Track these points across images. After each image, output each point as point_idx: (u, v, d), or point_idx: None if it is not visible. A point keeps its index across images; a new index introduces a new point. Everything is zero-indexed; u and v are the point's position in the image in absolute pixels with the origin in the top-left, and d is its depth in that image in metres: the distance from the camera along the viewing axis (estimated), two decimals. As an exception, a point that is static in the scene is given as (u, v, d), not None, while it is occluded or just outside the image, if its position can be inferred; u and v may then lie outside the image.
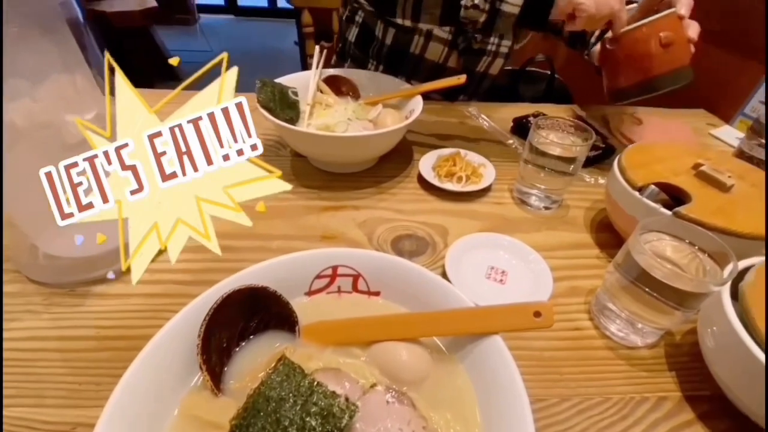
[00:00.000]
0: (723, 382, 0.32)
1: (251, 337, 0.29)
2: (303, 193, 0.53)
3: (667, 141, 0.71)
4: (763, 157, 0.59)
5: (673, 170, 0.44)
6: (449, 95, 0.80)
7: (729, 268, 0.32)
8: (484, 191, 0.56)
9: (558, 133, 0.52)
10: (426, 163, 0.58)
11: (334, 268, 0.31)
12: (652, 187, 0.41)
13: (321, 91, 0.60)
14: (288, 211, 0.50)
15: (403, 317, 0.28)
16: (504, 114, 0.75)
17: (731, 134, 0.76)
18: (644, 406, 0.34)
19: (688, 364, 0.37)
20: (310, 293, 0.31)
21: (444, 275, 0.42)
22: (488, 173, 0.57)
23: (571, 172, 0.50)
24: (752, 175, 0.45)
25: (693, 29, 0.55)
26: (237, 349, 0.28)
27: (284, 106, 0.54)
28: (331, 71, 0.63)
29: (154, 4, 2.23)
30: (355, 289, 0.32)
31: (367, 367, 0.27)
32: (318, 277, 0.31)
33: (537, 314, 0.26)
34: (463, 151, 0.59)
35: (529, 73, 0.92)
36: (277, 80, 0.57)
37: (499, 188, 0.57)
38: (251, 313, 0.29)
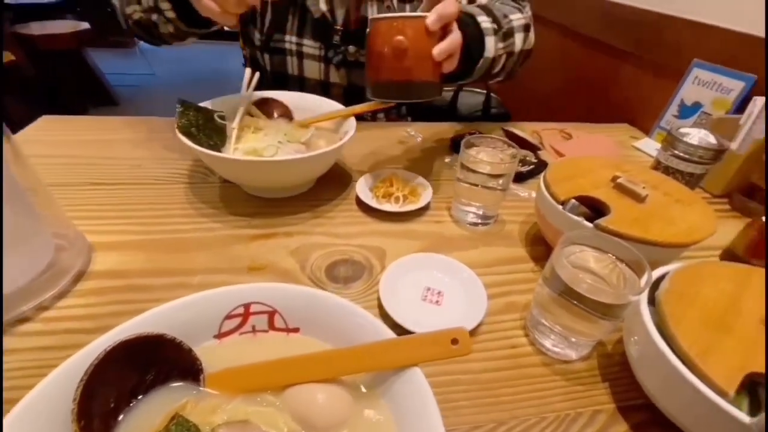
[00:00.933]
0: (648, 391, 0.33)
1: (146, 393, 0.25)
2: (231, 222, 0.50)
3: (593, 154, 0.75)
4: (677, 166, 0.63)
5: (594, 183, 0.46)
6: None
7: (645, 277, 0.33)
8: (423, 210, 0.56)
9: (489, 150, 0.53)
10: (363, 185, 0.57)
11: (246, 306, 0.28)
12: (573, 201, 0.42)
13: (251, 115, 0.58)
14: (213, 242, 0.46)
15: (320, 356, 0.26)
16: (442, 133, 0.76)
17: (651, 146, 0.82)
18: (579, 421, 0.33)
19: (619, 374, 0.37)
20: (220, 336, 0.28)
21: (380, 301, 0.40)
22: (426, 192, 0.57)
23: (502, 188, 0.51)
24: (665, 184, 0.48)
25: (440, 47, 0.45)
26: (127, 409, 0.24)
27: (209, 131, 0.51)
28: (263, 93, 0.61)
29: (87, 26, 2.12)
30: (271, 327, 0.29)
31: (280, 414, 0.25)
32: (228, 317, 0.28)
33: (454, 341, 0.24)
34: (400, 171, 0.59)
35: (467, 93, 0.95)
36: (204, 103, 0.55)
37: (437, 207, 0.57)
38: (146, 364, 0.25)
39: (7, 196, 0.36)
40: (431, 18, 0.44)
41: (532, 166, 0.65)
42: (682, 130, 0.63)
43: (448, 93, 0.97)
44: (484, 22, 0.58)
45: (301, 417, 0.24)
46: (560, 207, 0.42)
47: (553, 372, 0.37)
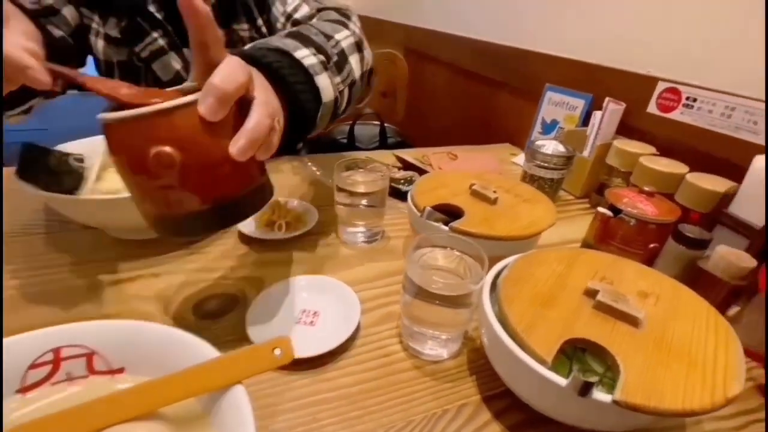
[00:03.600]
0: (502, 377, 0.34)
1: None
2: (86, 270, 0.45)
3: (476, 170, 0.82)
4: (539, 174, 0.71)
5: (454, 192, 0.50)
6: None
7: (484, 267, 0.36)
8: (311, 236, 0.56)
9: (363, 171, 0.56)
10: (245, 217, 0.55)
11: (56, 350, 0.26)
12: (428, 208, 0.45)
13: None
14: (58, 295, 0.42)
15: (133, 390, 0.24)
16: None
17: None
18: (445, 417, 0.34)
19: (484, 366, 0.39)
20: (24, 390, 0.25)
21: (247, 330, 0.39)
22: (311, 218, 0.57)
23: (374, 204, 0.53)
24: (517, 188, 0.54)
25: (239, 141, 0.27)
26: None
27: (61, 174, 0.48)
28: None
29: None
30: (91, 371, 0.26)
31: (84, 466, 0.22)
32: (33, 366, 0.25)
33: (277, 351, 0.24)
34: (283, 200, 0.59)
35: (361, 126, 1.00)
36: (61, 146, 0.51)
37: (327, 231, 0.58)
38: None
39: None
40: (207, 103, 0.26)
41: (415, 185, 0.69)
42: (538, 143, 0.72)
43: (345, 126, 1.01)
44: (307, 57, 0.41)
45: (110, 464, 0.22)
46: (418, 214, 0.45)
47: (424, 374, 0.38)
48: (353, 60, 0.51)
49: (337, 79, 0.46)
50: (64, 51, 0.61)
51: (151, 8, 0.62)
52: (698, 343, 0.30)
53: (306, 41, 0.43)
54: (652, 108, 0.72)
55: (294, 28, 0.46)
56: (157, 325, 0.27)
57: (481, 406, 0.35)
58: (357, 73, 0.52)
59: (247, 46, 0.39)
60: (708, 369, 0.28)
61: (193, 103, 0.26)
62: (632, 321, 0.32)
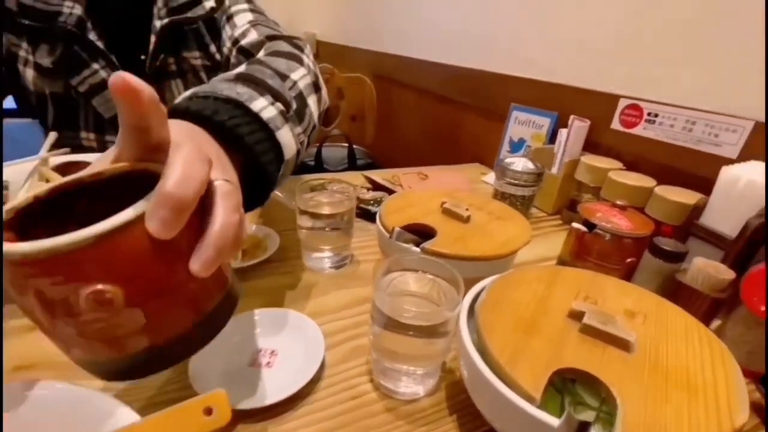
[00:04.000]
0: (485, 415, 0.30)
1: None
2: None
3: (446, 189, 0.80)
4: (510, 191, 0.70)
5: (424, 211, 0.47)
6: None
7: (460, 291, 0.32)
8: (272, 264, 0.51)
9: (327, 192, 0.52)
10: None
11: None
12: (397, 229, 0.42)
13: (48, 181, 0.49)
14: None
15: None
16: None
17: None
18: (423, 469, 0.29)
19: (465, 402, 0.35)
20: None
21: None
22: (272, 243, 0.53)
23: (345, 227, 0.49)
24: (489, 205, 0.52)
25: (204, 253, 0.21)
26: None
27: (-25, 203, 0.41)
28: (70, 157, 0.53)
29: None
30: (-30, 447, 0.21)
31: None
32: None
33: (208, 411, 0.19)
34: (240, 225, 0.54)
35: (329, 148, 0.97)
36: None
37: (288, 257, 0.53)
38: None
39: None
40: (159, 217, 0.19)
41: (385, 206, 0.66)
42: (508, 160, 0.71)
43: (312, 149, 0.98)
44: (265, 109, 0.35)
45: None
46: (387, 235, 0.42)
47: (397, 416, 0.33)
48: (311, 102, 0.45)
49: (298, 129, 0.40)
50: None
51: (92, 36, 0.57)
52: (694, 365, 0.28)
53: (261, 86, 0.37)
54: (615, 124, 0.73)
55: (245, 69, 0.40)
56: (62, 384, 0.21)
57: (463, 451, 0.31)
58: (315, 116, 0.47)
59: (188, 94, 0.33)
60: (710, 395, 0.26)
61: (139, 219, 0.19)
62: (623, 345, 0.29)
